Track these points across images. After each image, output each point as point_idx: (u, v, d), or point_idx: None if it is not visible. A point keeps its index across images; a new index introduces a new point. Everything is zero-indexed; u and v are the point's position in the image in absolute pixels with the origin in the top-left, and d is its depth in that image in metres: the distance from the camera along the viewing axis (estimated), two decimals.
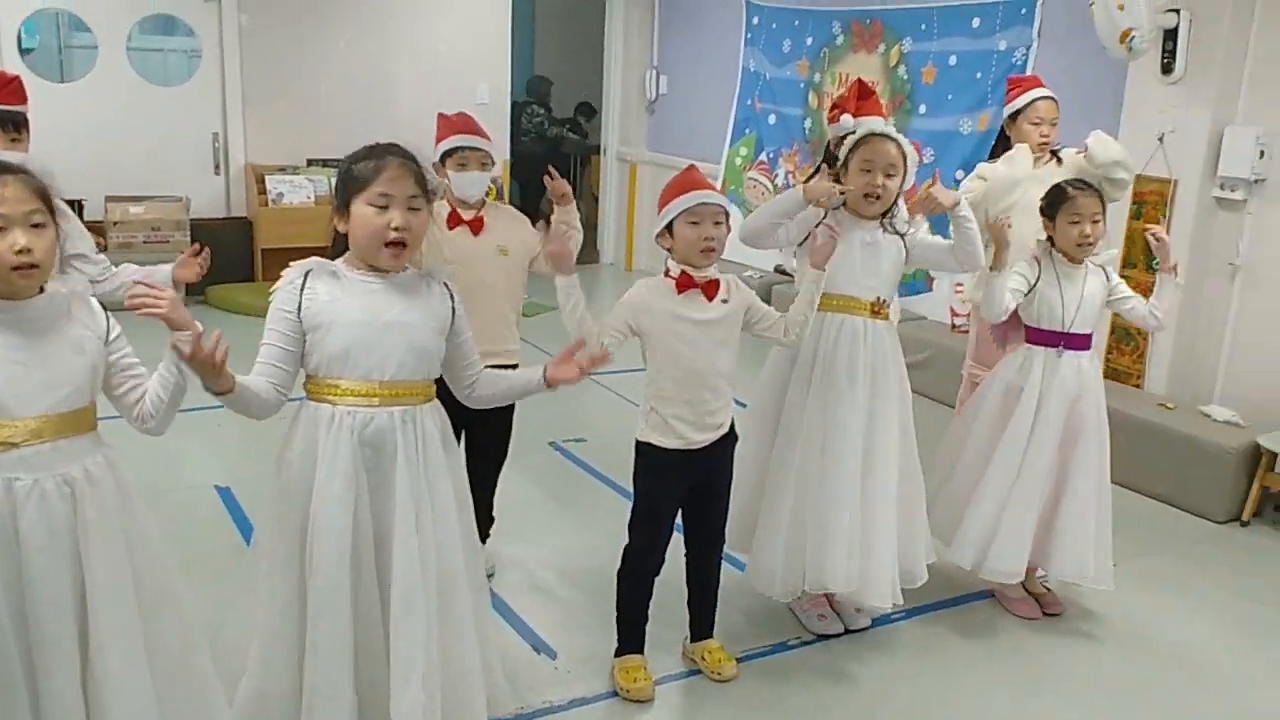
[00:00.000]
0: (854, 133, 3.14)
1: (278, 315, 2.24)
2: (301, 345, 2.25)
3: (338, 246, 2.32)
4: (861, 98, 3.30)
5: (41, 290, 1.97)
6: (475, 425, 3.32)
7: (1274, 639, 3.52)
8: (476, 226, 3.31)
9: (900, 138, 3.10)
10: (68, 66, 7.59)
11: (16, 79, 3.23)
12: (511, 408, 3.46)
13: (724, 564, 3.13)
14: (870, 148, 3.05)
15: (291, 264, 2.28)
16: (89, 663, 1.99)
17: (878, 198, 3.06)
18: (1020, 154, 3.87)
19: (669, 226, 2.77)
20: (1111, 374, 5.00)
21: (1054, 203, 3.35)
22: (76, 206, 6.78)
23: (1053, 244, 3.39)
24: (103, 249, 6.80)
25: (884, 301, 3.17)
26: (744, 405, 3.32)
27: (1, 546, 1.91)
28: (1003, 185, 3.82)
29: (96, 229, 6.81)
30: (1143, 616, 3.61)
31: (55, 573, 1.95)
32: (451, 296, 2.37)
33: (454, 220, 3.29)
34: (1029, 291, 3.36)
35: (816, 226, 3.04)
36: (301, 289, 2.23)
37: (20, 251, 1.88)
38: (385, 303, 2.25)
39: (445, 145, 3.33)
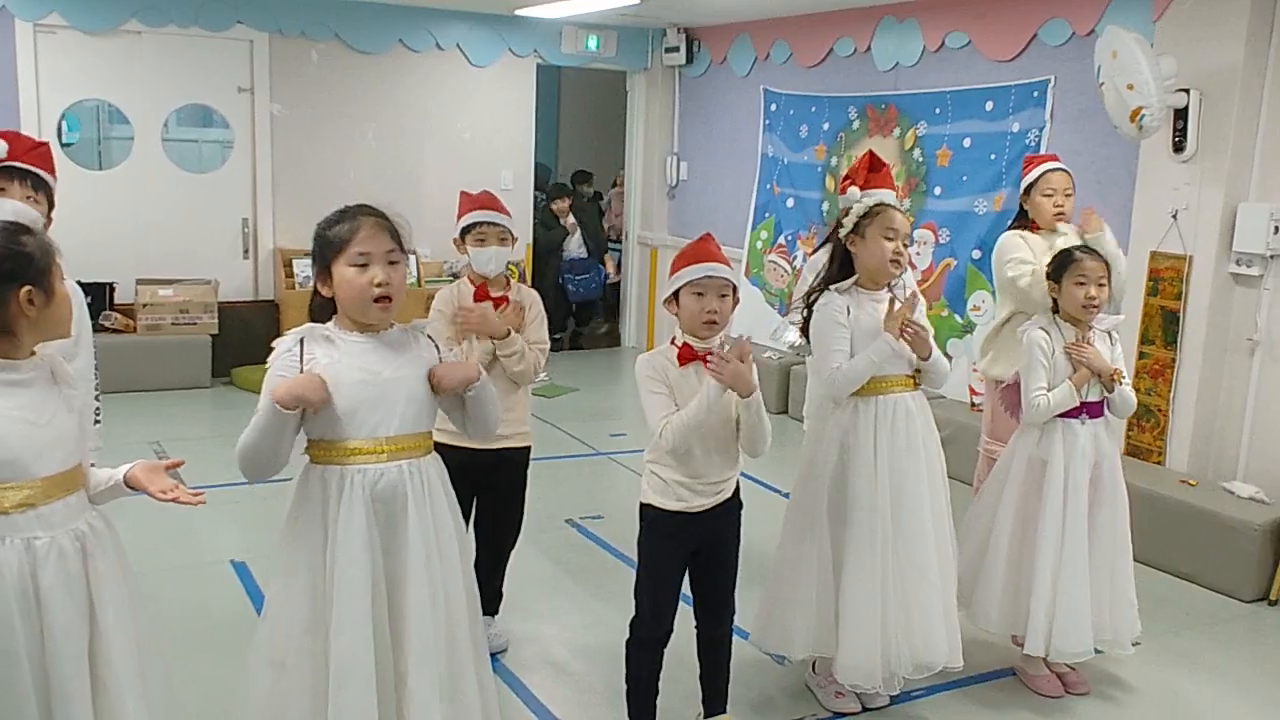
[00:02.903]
0: (860, 202, 3.19)
1: (274, 379, 2.26)
2: (301, 414, 2.26)
3: (322, 311, 2.35)
4: (872, 170, 3.36)
5: (32, 353, 2.03)
6: (485, 499, 3.34)
7: None
8: (500, 305, 3.36)
9: (901, 210, 3.18)
10: (106, 155, 7.82)
11: (45, 145, 3.32)
12: (524, 483, 3.48)
13: (738, 639, 3.10)
14: (887, 216, 3.12)
15: (284, 334, 2.32)
16: (100, 708, 2.03)
17: (899, 263, 3.12)
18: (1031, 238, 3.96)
19: (676, 294, 2.81)
20: (1132, 450, 4.96)
21: (1060, 266, 3.37)
22: (108, 289, 6.95)
23: (1056, 310, 3.40)
24: (132, 330, 6.94)
25: (917, 371, 3.20)
26: (786, 495, 3.32)
27: (24, 604, 1.95)
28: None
29: (127, 311, 6.98)
30: (1169, 696, 3.52)
31: (75, 627, 2.00)
32: (436, 347, 2.43)
33: (480, 295, 3.33)
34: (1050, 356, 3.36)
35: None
36: (301, 356, 2.27)
37: None
38: (381, 360, 2.30)
39: (465, 221, 3.40)
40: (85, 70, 6.98)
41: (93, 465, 2.21)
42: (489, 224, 3.37)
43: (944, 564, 3.22)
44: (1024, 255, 3.92)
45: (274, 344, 2.34)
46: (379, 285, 2.25)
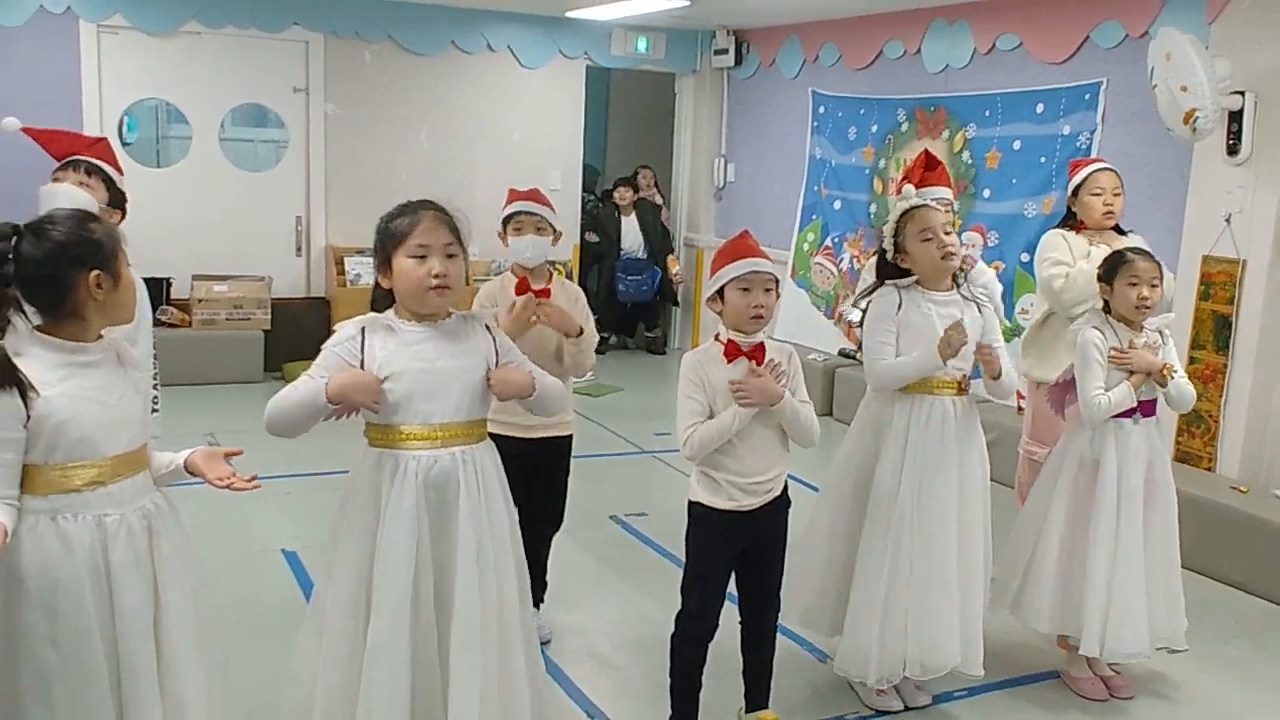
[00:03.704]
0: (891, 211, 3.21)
1: (333, 357, 2.33)
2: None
3: (381, 302, 2.42)
4: (928, 168, 3.35)
5: (99, 336, 2.10)
6: (531, 488, 3.37)
7: None
8: (543, 298, 3.40)
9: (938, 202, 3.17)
10: (164, 154, 8.00)
11: (103, 140, 3.45)
12: (567, 471, 3.52)
13: (782, 637, 3.12)
14: (917, 219, 3.11)
15: (344, 322, 2.39)
16: (163, 684, 2.10)
17: (951, 254, 3.10)
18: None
19: (720, 291, 2.83)
20: (1182, 457, 4.91)
21: (1112, 267, 3.34)
22: (165, 284, 7.10)
23: (1108, 310, 3.38)
24: (187, 325, 7.09)
25: (968, 378, 3.20)
26: (815, 489, 3.34)
27: (95, 580, 2.02)
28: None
29: (183, 306, 7.13)
30: (1215, 704, 3.49)
31: (142, 603, 2.08)
32: (493, 335, 2.48)
33: (523, 287, 3.37)
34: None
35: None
36: (361, 345, 2.33)
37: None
38: (438, 349, 2.36)
39: (505, 212, 3.45)
40: (146, 70, 7.13)
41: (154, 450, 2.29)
42: (526, 213, 3.40)
43: (969, 570, 3.18)
44: (1061, 255, 3.89)
45: (336, 328, 2.40)
46: (436, 276, 2.31)
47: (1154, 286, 3.29)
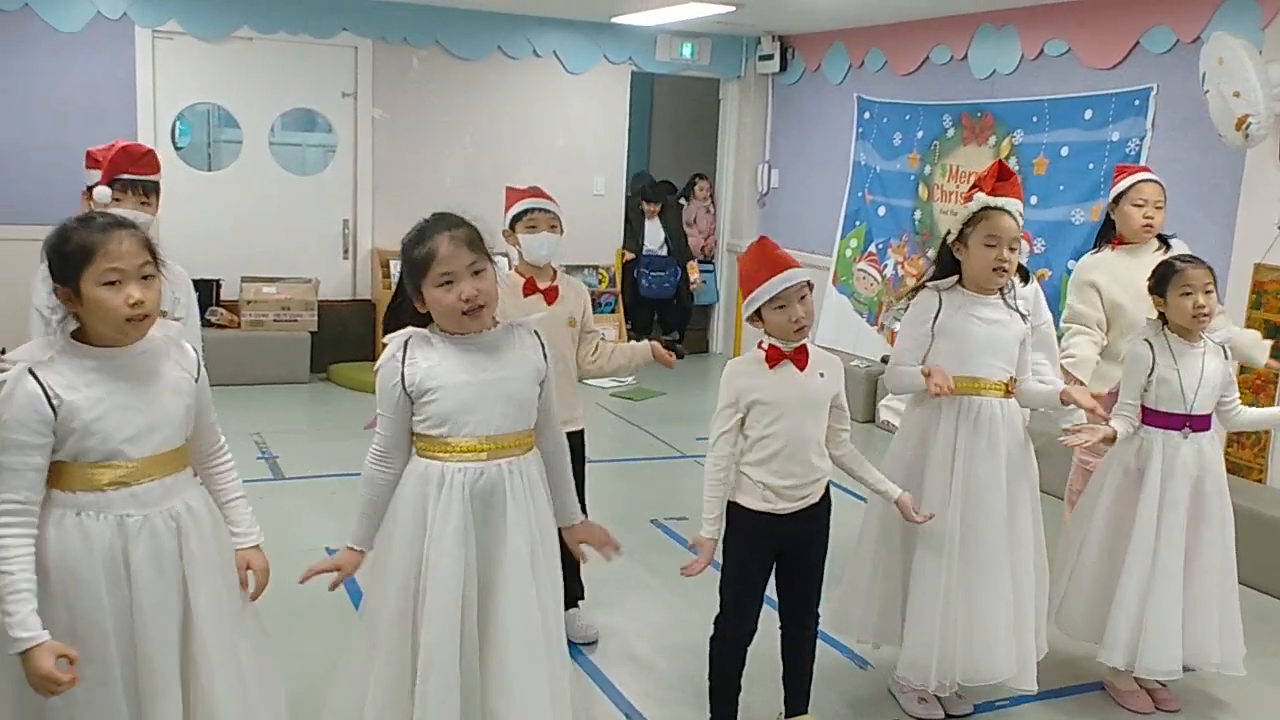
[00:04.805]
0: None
1: (386, 393, 2.34)
2: (410, 415, 2.35)
3: (405, 318, 2.38)
4: (1000, 178, 3.34)
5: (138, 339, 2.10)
6: None
7: None
8: (551, 296, 3.39)
9: (1015, 212, 3.12)
10: (215, 158, 8.14)
11: (150, 152, 3.52)
12: (582, 473, 3.51)
13: (823, 644, 3.11)
14: (992, 222, 3.08)
15: (389, 337, 2.37)
16: (192, 685, 2.10)
17: (1005, 271, 3.09)
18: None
19: (758, 311, 2.81)
20: (1232, 468, 4.80)
21: (1162, 279, 3.28)
22: (214, 286, 7.21)
23: (1165, 322, 3.33)
24: (236, 326, 7.21)
25: (1014, 380, 3.18)
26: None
27: (113, 578, 2.02)
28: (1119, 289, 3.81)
29: (232, 307, 7.24)
30: (1267, 718, 3.43)
31: (163, 605, 2.07)
32: (542, 345, 2.45)
33: (529, 288, 3.36)
34: (1150, 374, 3.28)
35: None
36: (403, 360, 2.32)
37: (135, 304, 2.01)
38: (482, 361, 2.34)
39: (515, 209, 3.41)
40: (199, 75, 7.26)
41: (229, 462, 2.33)
42: (540, 210, 3.38)
43: (1021, 577, 3.16)
44: (1088, 311, 3.83)
45: (385, 340, 2.39)
46: (466, 300, 2.27)
47: (1208, 293, 3.23)
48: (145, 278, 2.04)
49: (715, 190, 9.28)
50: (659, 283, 8.75)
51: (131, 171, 3.40)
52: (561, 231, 3.45)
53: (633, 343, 3.67)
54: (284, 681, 2.43)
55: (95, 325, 2.03)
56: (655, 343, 3.55)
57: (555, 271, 3.47)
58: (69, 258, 2.00)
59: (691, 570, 2.83)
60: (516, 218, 3.41)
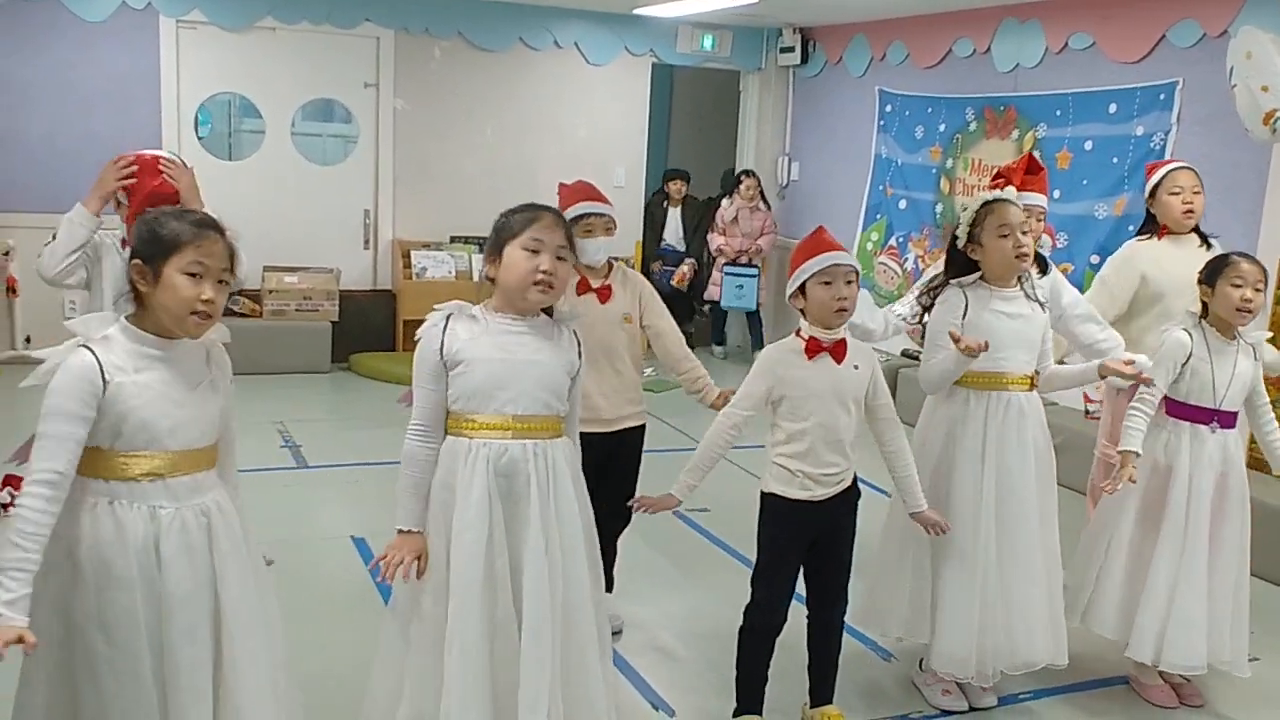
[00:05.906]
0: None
1: (425, 361, 2.39)
2: (446, 388, 2.39)
3: (485, 290, 2.47)
4: (1029, 171, 3.31)
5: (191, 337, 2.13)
6: (605, 484, 3.41)
7: None
8: (605, 295, 3.40)
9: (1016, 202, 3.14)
10: (236, 147, 8.17)
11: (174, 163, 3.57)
12: (638, 462, 3.54)
13: (847, 635, 3.12)
14: (997, 215, 3.10)
15: (435, 307, 2.44)
16: (221, 682, 2.12)
17: (1025, 255, 3.11)
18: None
19: (802, 288, 2.84)
20: (1253, 464, 4.80)
21: (1215, 269, 3.27)
22: None
23: (1204, 316, 3.32)
24: (258, 315, 7.23)
25: (1038, 374, 3.20)
26: (885, 493, 3.34)
27: (145, 569, 2.04)
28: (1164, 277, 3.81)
29: (253, 296, 7.27)
30: None
31: (194, 599, 2.09)
32: (578, 344, 2.51)
33: (583, 287, 3.38)
34: (1184, 363, 3.28)
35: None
36: (444, 330, 2.39)
37: (206, 301, 2.06)
38: (519, 342, 2.40)
39: (571, 212, 3.39)
40: (222, 65, 7.29)
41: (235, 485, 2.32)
42: (596, 215, 3.39)
43: (1050, 565, 3.21)
44: (1108, 305, 3.83)
45: (435, 306, 2.45)
46: (544, 272, 2.35)
47: (1258, 290, 3.21)
48: (221, 282, 2.10)
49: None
50: (666, 277, 8.70)
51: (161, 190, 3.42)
52: (614, 231, 3.45)
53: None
54: (309, 670, 2.45)
55: (159, 311, 2.07)
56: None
57: (611, 267, 3.47)
58: (162, 240, 2.05)
59: (643, 502, 3.01)
60: (573, 221, 3.42)
